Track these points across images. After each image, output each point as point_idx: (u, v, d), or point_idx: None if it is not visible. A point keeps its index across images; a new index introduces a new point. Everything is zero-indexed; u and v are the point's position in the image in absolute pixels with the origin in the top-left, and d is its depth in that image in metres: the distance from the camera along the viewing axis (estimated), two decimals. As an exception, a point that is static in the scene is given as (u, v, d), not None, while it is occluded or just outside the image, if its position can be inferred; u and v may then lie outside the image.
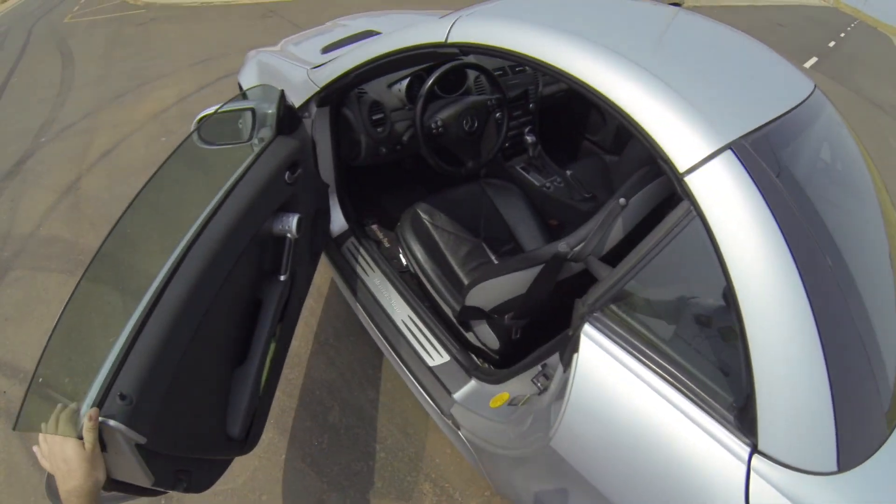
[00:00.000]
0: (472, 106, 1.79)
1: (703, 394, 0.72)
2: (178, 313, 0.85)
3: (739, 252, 0.66)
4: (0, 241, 2.69)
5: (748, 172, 0.69)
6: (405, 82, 1.75)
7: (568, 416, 0.86)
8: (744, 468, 0.67)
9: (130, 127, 3.70)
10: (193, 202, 1.07)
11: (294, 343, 2.06)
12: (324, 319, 2.16)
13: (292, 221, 1.19)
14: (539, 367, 1.16)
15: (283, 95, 1.23)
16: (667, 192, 1.13)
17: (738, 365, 0.68)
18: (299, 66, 1.82)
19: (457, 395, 1.40)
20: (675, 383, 0.74)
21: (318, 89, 1.53)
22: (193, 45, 4.65)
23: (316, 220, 1.50)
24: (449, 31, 1.11)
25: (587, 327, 0.84)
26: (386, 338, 1.56)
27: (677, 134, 0.74)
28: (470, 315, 1.46)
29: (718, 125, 0.74)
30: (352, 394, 1.90)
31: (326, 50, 2.14)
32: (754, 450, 0.67)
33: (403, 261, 1.76)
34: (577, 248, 1.02)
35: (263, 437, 1.75)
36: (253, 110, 1.24)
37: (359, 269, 1.74)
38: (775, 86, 0.96)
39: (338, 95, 1.56)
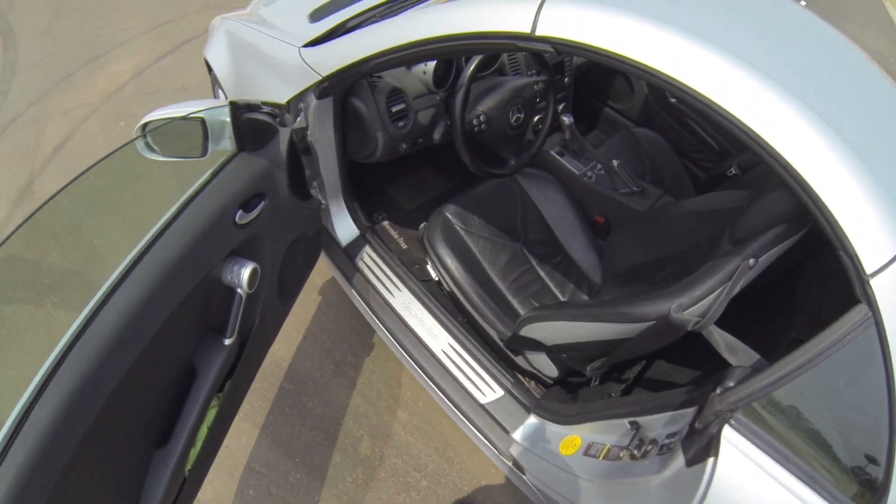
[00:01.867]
0: (517, 93, 1.50)
1: (834, 489, 0.72)
2: (66, 407, 0.68)
3: None
4: (-49, 263, 2.35)
5: None
6: (431, 64, 1.39)
7: None
8: None
9: (84, 111, 3.25)
10: (117, 238, 0.87)
11: (307, 365, 1.85)
12: (336, 335, 1.93)
13: (244, 273, 0.94)
14: (626, 424, 0.97)
15: (235, 108, 0.97)
16: (783, 252, 0.93)
17: (870, 462, 0.71)
18: (284, 40, 1.47)
19: (516, 435, 1.22)
20: (810, 482, 0.73)
21: (321, 78, 1.22)
22: (149, 7, 4.10)
23: (293, 251, 1.24)
24: (537, 16, 0.80)
25: (728, 430, 0.76)
26: (424, 371, 1.36)
27: (870, 227, 0.63)
28: (525, 346, 1.26)
29: None
30: (381, 418, 1.72)
31: (317, 16, 1.65)
32: None
33: (432, 273, 1.52)
34: (691, 310, 0.85)
35: (291, 479, 1.58)
36: (203, 121, 0.97)
37: (379, 286, 1.50)
38: None
39: (347, 84, 1.26)
